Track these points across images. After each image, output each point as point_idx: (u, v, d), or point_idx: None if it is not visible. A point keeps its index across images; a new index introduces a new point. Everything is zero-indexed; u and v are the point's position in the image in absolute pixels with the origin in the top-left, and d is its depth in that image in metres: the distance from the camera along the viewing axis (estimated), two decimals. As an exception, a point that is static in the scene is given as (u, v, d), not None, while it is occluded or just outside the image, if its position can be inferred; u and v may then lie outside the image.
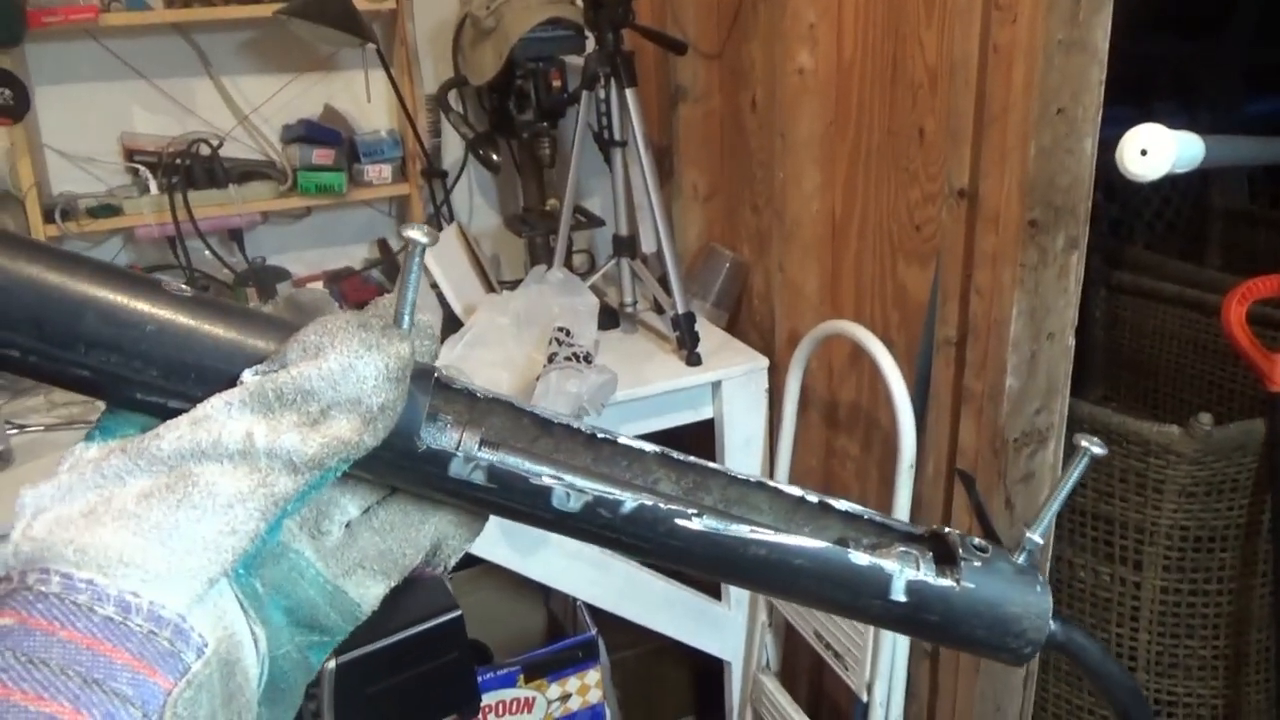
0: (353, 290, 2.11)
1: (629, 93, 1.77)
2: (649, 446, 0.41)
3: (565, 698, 1.84)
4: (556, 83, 1.98)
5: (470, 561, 1.84)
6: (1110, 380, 2.11)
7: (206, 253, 2.03)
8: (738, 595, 1.92)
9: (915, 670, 1.61)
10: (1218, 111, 2.41)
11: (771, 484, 0.42)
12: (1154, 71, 2.37)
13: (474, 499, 0.39)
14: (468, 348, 1.66)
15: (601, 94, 1.80)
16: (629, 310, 1.98)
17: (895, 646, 1.57)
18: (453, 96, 2.14)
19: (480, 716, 1.76)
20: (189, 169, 1.98)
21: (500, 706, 1.79)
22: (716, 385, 1.82)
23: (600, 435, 0.41)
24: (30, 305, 0.34)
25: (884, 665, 1.55)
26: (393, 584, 0.40)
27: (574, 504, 0.39)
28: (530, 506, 0.39)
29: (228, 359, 0.35)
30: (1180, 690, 1.60)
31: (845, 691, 1.67)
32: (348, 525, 0.39)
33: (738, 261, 2.04)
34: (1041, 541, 0.44)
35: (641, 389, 1.73)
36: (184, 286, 0.36)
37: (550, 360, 1.56)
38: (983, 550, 0.43)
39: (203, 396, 0.35)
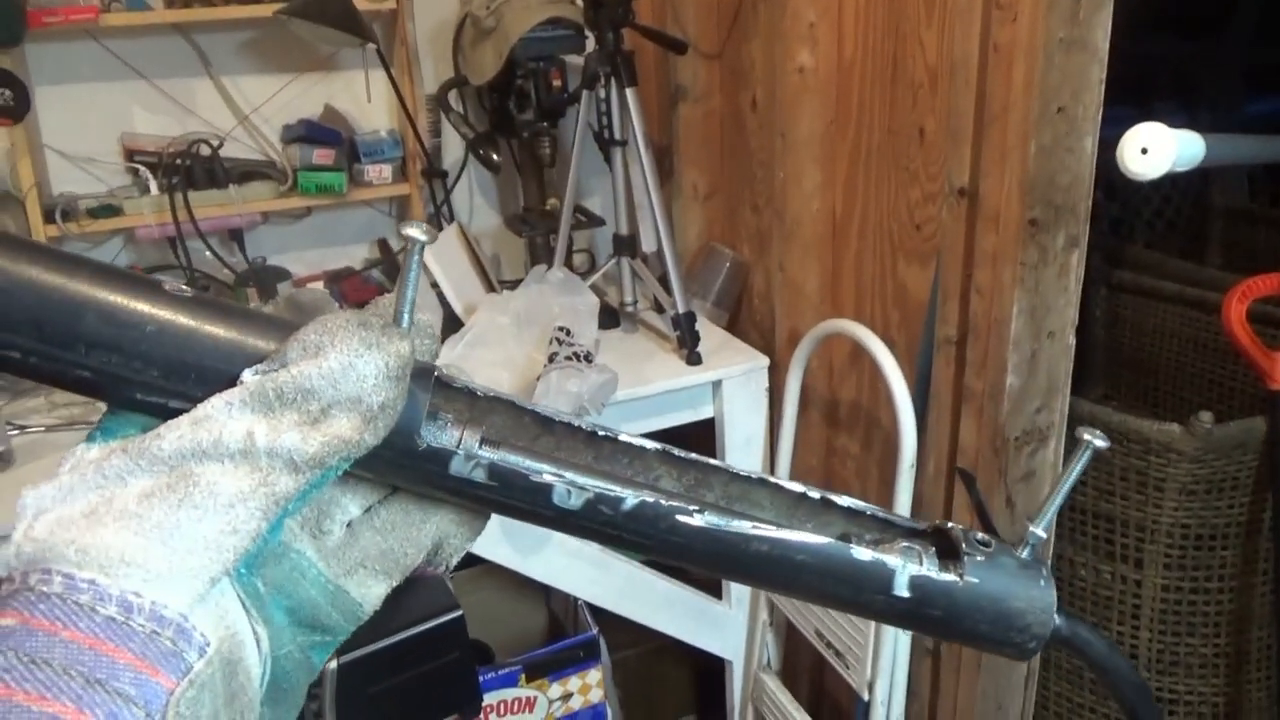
0: (353, 290, 2.11)
1: (629, 92, 1.77)
2: (650, 444, 0.41)
3: (566, 697, 1.84)
4: (556, 82, 1.98)
5: (471, 561, 1.84)
6: (1111, 379, 2.11)
7: (207, 253, 2.03)
8: (738, 594, 1.92)
9: (917, 669, 1.61)
10: (1218, 111, 2.41)
11: (773, 480, 0.42)
12: (1154, 71, 2.37)
13: (475, 497, 0.39)
14: (468, 347, 1.66)
15: (601, 94, 1.80)
16: (629, 310, 1.98)
17: (896, 645, 1.57)
18: (453, 96, 2.14)
19: (482, 716, 1.76)
20: (189, 169, 1.98)
21: (502, 706, 1.79)
22: (717, 384, 1.82)
23: (601, 433, 0.41)
24: (30, 307, 0.34)
25: (885, 664, 1.55)
26: (394, 583, 0.40)
27: (575, 501, 0.39)
28: (531, 504, 0.39)
29: (228, 359, 0.35)
30: (1181, 688, 1.60)
31: (846, 690, 1.67)
32: (349, 525, 0.39)
33: (738, 261, 2.04)
34: (1045, 535, 0.44)
35: (642, 388, 1.73)
36: (184, 287, 0.36)
37: (551, 360, 1.56)
38: (986, 545, 0.43)
39: (203, 396, 0.35)
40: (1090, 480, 1.57)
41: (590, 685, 1.86)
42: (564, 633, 2.03)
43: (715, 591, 1.93)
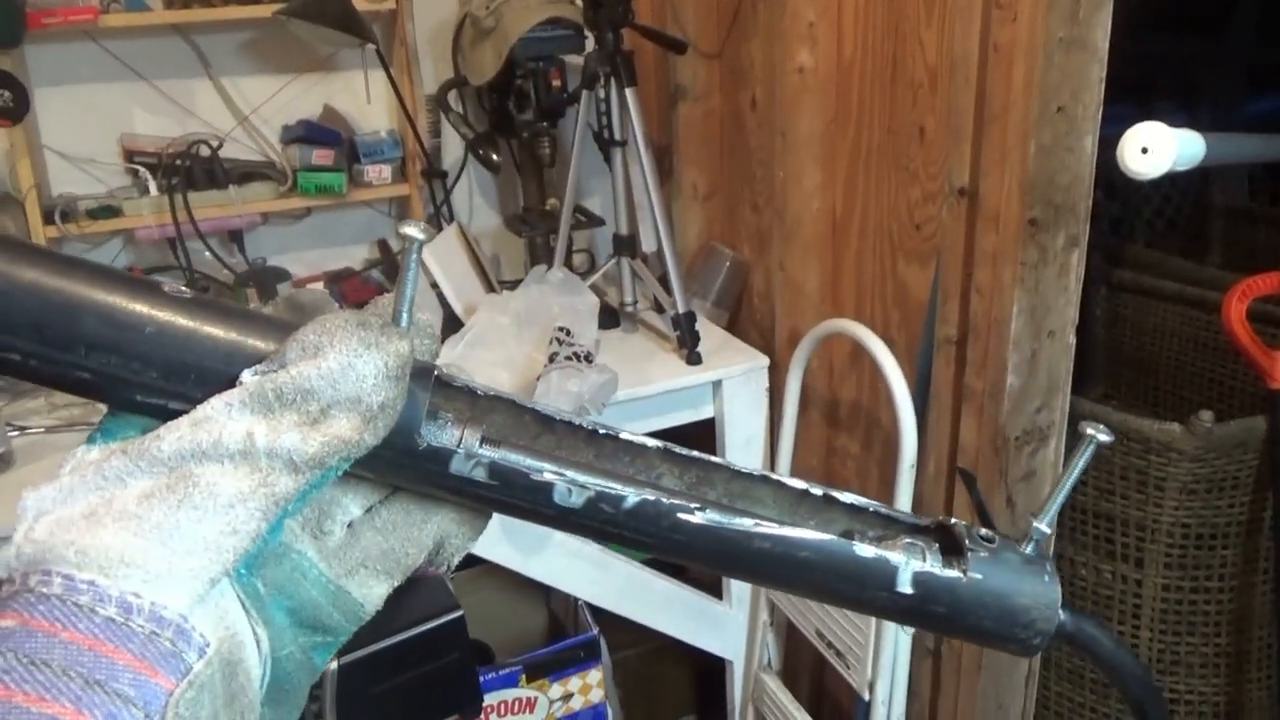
0: (353, 291, 2.11)
1: (629, 92, 1.77)
2: (651, 442, 0.41)
3: (567, 697, 1.84)
4: (556, 82, 1.98)
5: (471, 561, 1.84)
6: (1111, 378, 2.11)
7: (206, 254, 2.03)
8: (739, 594, 1.92)
9: (917, 668, 1.61)
10: (1218, 111, 2.41)
11: (775, 477, 0.42)
12: (1154, 71, 2.37)
13: (476, 496, 0.39)
14: (468, 348, 1.66)
15: (601, 93, 1.80)
16: (629, 310, 1.98)
17: (897, 644, 1.57)
18: (453, 96, 2.14)
19: (482, 716, 1.76)
20: (189, 170, 1.98)
21: (502, 706, 1.79)
22: (717, 384, 1.82)
23: (602, 431, 0.41)
24: (30, 309, 0.34)
25: (886, 663, 1.55)
26: (396, 584, 0.40)
27: (576, 500, 0.39)
28: (532, 503, 0.39)
29: (227, 360, 0.35)
30: (1182, 688, 1.60)
31: (847, 690, 1.67)
32: (350, 525, 0.39)
33: (738, 260, 2.04)
34: (1049, 531, 0.44)
35: (642, 388, 1.73)
36: (183, 288, 0.36)
37: (551, 360, 1.56)
38: (989, 541, 0.42)
39: (203, 397, 0.35)
40: (1091, 479, 1.57)
41: (591, 685, 1.86)
42: (564, 633, 2.03)
43: (715, 591, 1.93)
